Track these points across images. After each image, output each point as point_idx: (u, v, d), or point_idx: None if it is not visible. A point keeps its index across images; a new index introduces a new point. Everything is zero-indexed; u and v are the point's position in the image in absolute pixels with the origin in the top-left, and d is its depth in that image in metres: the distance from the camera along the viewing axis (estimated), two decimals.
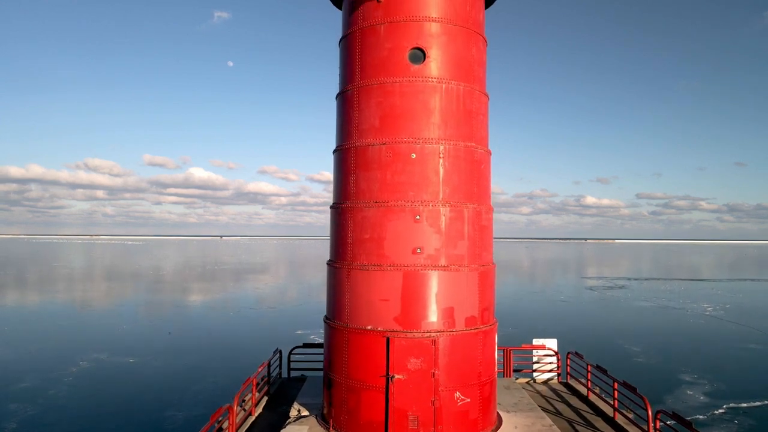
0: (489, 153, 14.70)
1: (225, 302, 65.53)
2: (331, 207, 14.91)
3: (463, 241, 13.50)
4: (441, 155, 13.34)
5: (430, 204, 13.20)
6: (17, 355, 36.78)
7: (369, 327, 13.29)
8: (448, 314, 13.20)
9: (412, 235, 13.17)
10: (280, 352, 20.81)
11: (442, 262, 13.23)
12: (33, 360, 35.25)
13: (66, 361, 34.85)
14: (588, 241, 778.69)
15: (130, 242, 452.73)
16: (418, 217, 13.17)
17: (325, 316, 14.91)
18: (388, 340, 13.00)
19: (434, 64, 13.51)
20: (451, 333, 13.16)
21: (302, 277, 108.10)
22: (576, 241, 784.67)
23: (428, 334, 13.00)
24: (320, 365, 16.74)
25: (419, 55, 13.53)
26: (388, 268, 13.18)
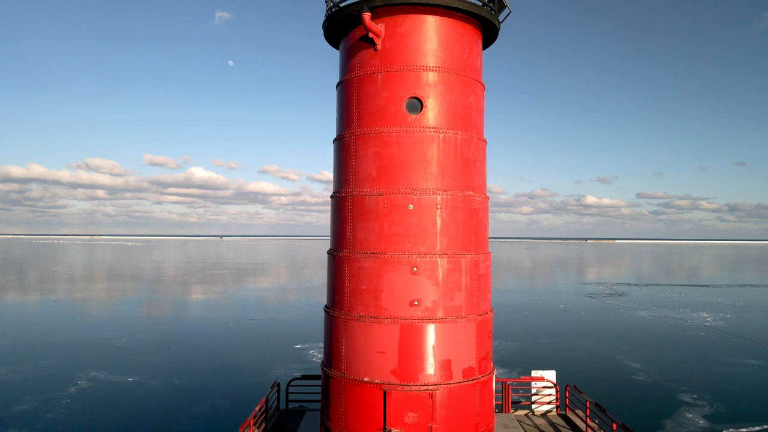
0: (487, 199, 14.62)
1: (224, 312, 65.44)
2: (328, 252, 14.84)
3: (461, 292, 13.43)
4: (438, 206, 13.27)
5: (428, 256, 13.13)
6: (15, 373, 36.68)
7: (366, 379, 13.23)
8: (445, 367, 13.14)
9: (409, 288, 13.10)
10: (278, 385, 20.77)
11: (440, 314, 13.17)
12: (31, 379, 35.16)
13: (64, 380, 34.77)
14: (588, 241, 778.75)
15: (130, 243, 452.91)
16: (415, 269, 13.10)
17: (323, 362, 14.85)
18: (385, 393, 12.94)
19: (432, 114, 13.44)
20: (449, 386, 13.09)
21: (301, 282, 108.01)
22: (576, 241, 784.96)
23: (425, 388, 12.94)
24: (319, 396, 16.64)
25: (416, 104, 13.46)
26: (386, 320, 13.11)
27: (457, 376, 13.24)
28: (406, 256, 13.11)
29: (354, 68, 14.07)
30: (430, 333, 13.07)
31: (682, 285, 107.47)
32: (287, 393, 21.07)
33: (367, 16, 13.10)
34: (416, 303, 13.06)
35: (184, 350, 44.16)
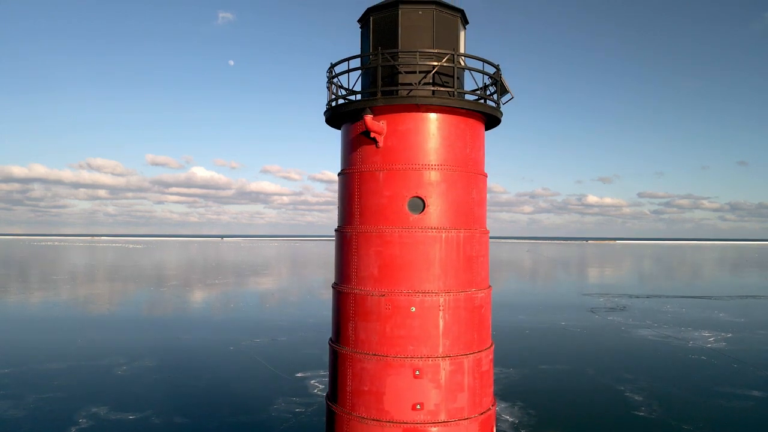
0: (489, 289, 14.53)
1: (225, 331, 65.17)
2: (329, 342, 14.76)
3: (463, 393, 13.35)
4: (441, 307, 13.19)
5: (430, 359, 13.06)
6: (16, 409, 36.51)
7: None
8: None
9: (411, 391, 13.02)
10: None
11: (442, 417, 13.09)
12: (31, 417, 35.01)
13: (64, 417, 34.65)
14: (589, 241, 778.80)
15: (130, 245, 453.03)
16: (417, 372, 13.02)
17: None
18: None
19: (434, 213, 13.35)
20: None
21: (302, 292, 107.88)
22: (578, 241, 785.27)
23: None
24: None
25: (419, 204, 13.37)
26: (388, 424, 13.03)
27: None
28: (409, 359, 13.04)
29: (356, 162, 13.98)
30: None
31: (683, 297, 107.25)
32: None
33: (369, 118, 13.00)
34: (418, 407, 12.98)
35: (184, 379, 44.04)
